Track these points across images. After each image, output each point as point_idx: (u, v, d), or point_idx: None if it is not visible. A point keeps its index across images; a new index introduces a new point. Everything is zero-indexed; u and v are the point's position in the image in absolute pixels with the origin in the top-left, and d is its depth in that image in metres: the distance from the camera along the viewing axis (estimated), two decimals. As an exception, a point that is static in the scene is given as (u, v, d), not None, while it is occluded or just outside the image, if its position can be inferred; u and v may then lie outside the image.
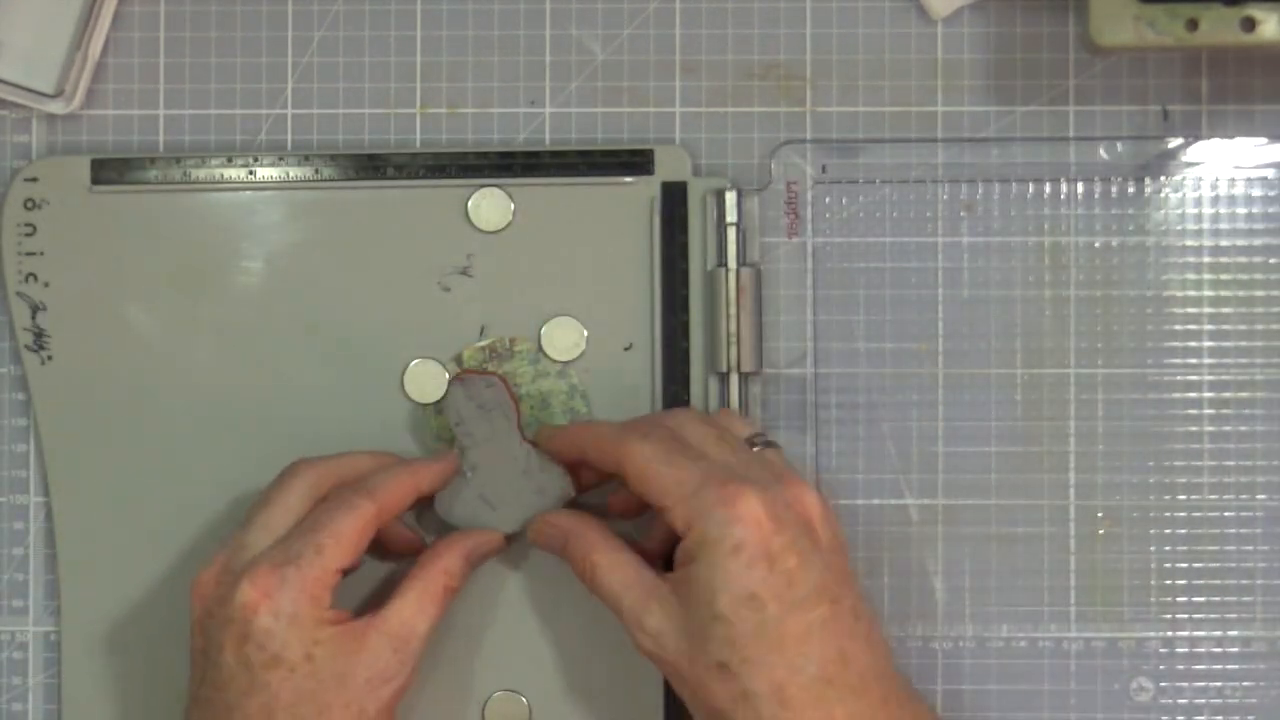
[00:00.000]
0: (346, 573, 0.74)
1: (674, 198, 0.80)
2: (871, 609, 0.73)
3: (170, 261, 0.81)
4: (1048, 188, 0.81)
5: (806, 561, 0.70)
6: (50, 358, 0.81)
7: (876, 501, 0.80)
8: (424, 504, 0.78)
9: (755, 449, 0.75)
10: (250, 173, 0.81)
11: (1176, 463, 0.81)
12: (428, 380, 0.80)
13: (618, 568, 0.74)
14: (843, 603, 0.71)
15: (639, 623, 0.72)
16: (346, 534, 0.73)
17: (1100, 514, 0.81)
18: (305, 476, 0.76)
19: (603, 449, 0.74)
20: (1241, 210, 0.81)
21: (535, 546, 0.78)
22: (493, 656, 0.80)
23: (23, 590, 0.82)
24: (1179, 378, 0.80)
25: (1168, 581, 0.81)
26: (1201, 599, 0.81)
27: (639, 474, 0.73)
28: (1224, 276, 0.81)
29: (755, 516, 0.70)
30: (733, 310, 0.79)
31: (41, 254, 0.81)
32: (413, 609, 0.74)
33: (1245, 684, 0.80)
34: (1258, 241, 0.81)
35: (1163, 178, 0.81)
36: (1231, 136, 0.81)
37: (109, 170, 0.81)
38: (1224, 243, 0.81)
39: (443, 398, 0.79)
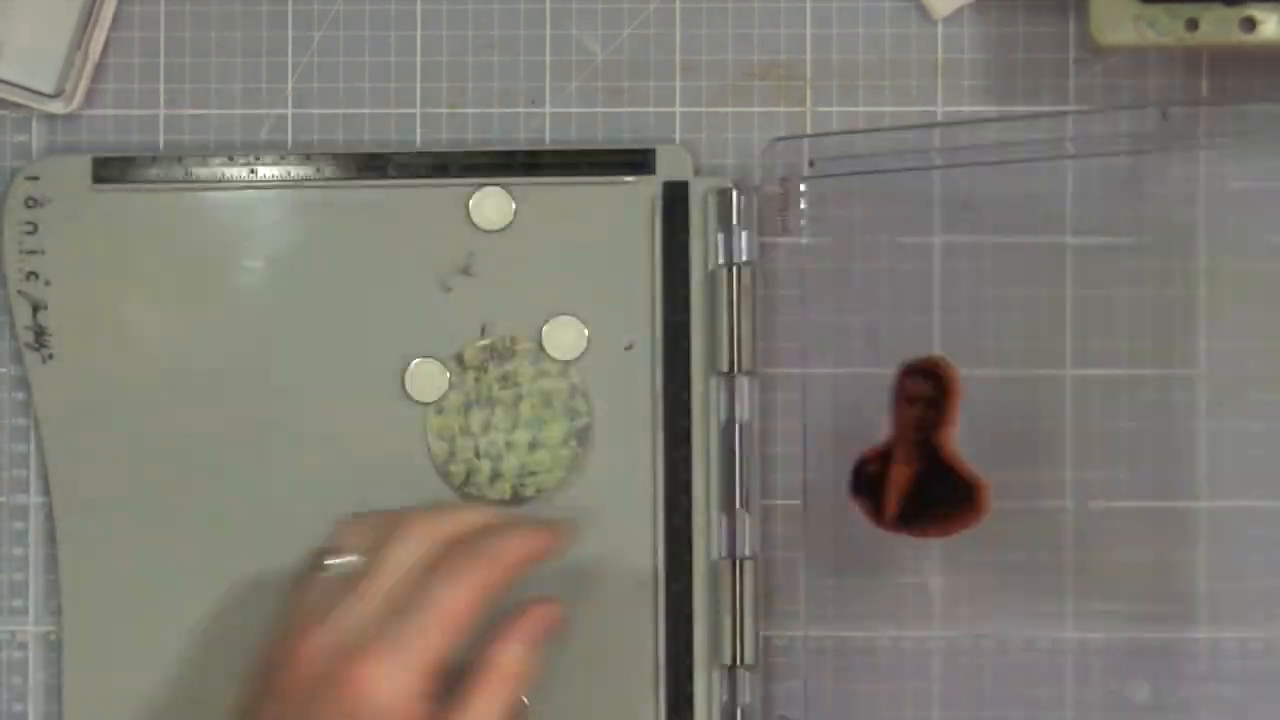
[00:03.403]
0: None
1: (675, 197, 0.80)
2: None
3: (171, 260, 0.81)
4: (1047, 187, 0.81)
5: None
6: (51, 356, 0.81)
7: (876, 501, 0.80)
8: None
9: None
10: (252, 171, 0.81)
11: (1176, 463, 0.81)
12: (428, 380, 0.80)
13: None
14: None
15: None
16: (463, 615, 0.70)
17: (1100, 514, 0.81)
18: (417, 537, 0.72)
19: None
20: (1242, 211, 0.81)
21: None
22: (493, 656, 0.80)
23: (23, 590, 0.82)
24: (1179, 377, 0.80)
25: (1167, 581, 0.81)
26: (1201, 599, 0.81)
27: None
28: (1224, 276, 0.81)
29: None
30: (733, 310, 0.79)
31: (42, 253, 0.81)
32: (482, 713, 0.71)
33: (1245, 684, 0.81)
34: (1258, 242, 0.81)
35: (1163, 178, 0.81)
36: (1232, 137, 0.81)
37: (111, 169, 0.81)
38: (1224, 243, 0.81)
39: (441, 398, 0.80)
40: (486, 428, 0.80)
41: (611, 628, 0.80)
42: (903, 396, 0.78)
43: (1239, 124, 0.81)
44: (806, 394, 0.81)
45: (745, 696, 0.80)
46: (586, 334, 0.80)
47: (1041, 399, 0.81)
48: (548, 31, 0.82)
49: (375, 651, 0.69)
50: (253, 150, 0.81)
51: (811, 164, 0.81)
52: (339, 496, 0.80)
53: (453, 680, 0.71)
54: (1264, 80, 0.81)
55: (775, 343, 0.81)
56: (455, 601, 0.70)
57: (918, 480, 0.77)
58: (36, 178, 0.81)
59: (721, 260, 0.80)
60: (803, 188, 0.81)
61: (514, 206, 0.81)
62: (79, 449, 0.81)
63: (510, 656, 0.72)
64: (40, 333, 0.80)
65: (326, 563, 0.72)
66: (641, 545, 0.80)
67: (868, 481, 0.78)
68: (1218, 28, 0.75)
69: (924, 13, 0.81)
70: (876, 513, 0.77)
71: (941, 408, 0.77)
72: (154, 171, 0.81)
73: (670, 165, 0.80)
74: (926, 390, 0.78)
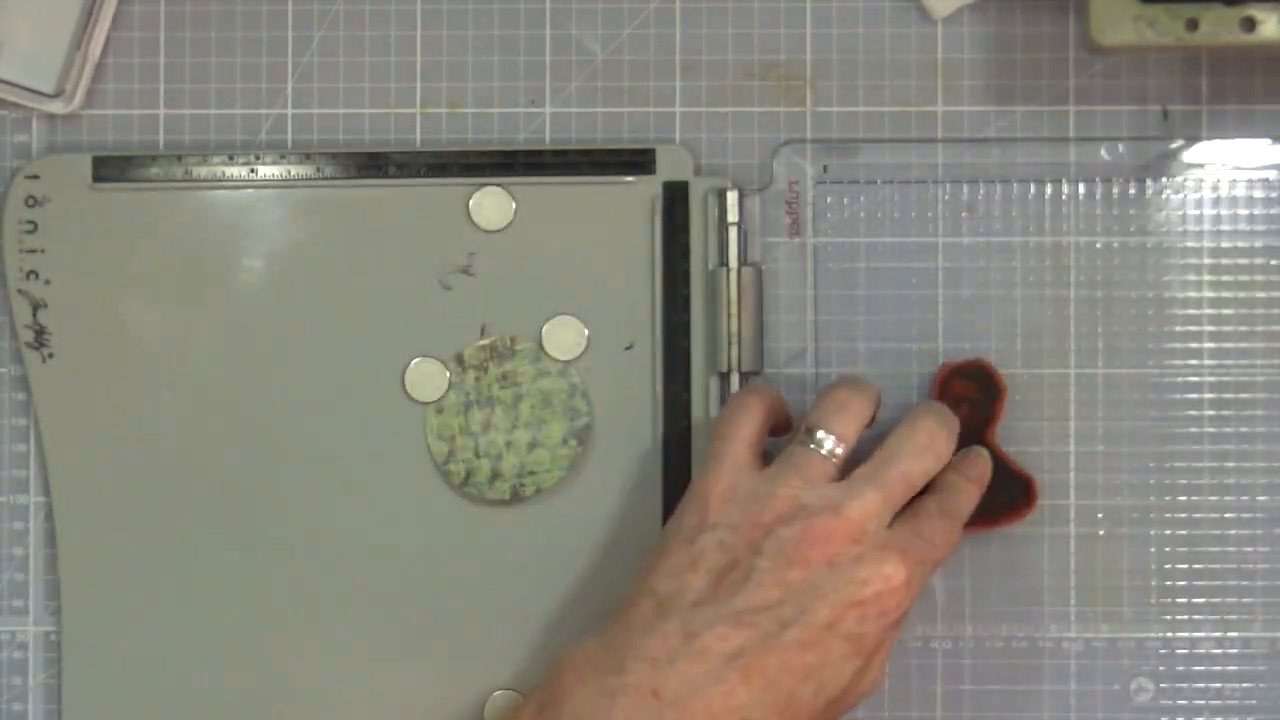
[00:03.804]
0: None
1: (675, 197, 0.80)
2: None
3: (171, 259, 0.81)
4: (1048, 188, 0.81)
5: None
6: (51, 355, 0.81)
7: (877, 502, 0.80)
8: None
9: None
10: (252, 171, 0.81)
11: (1176, 463, 0.80)
12: (428, 379, 0.80)
13: None
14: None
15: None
16: (945, 558, 0.75)
17: (1100, 514, 0.81)
18: (926, 459, 0.75)
19: None
20: (1242, 211, 0.81)
21: None
22: (492, 655, 0.80)
23: (23, 590, 0.82)
24: (1179, 378, 0.80)
25: (1168, 582, 0.81)
26: (1201, 599, 0.81)
27: None
28: (1224, 277, 0.81)
29: None
30: (733, 310, 0.79)
31: (42, 251, 0.81)
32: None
33: (1245, 684, 0.80)
34: (1258, 242, 0.81)
35: (1163, 178, 0.81)
36: (1232, 137, 0.81)
37: (110, 168, 0.81)
38: (1224, 243, 0.81)
39: (443, 397, 0.80)
40: (486, 427, 0.80)
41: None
42: (947, 398, 0.78)
43: (1239, 124, 0.81)
44: (806, 394, 0.81)
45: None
46: (586, 334, 0.80)
47: (1043, 398, 0.81)
48: (548, 31, 0.82)
49: (910, 556, 0.73)
50: (253, 150, 0.81)
51: (825, 169, 0.81)
52: (339, 496, 0.80)
53: None
54: (1264, 80, 0.81)
55: (776, 343, 0.81)
56: (945, 544, 0.75)
57: None
58: (36, 177, 0.81)
59: (721, 260, 0.80)
60: (811, 193, 0.81)
61: (514, 206, 0.81)
62: (79, 449, 0.81)
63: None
64: (40, 332, 0.80)
65: (821, 442, 0.75)
66: (641, 545, 0.80)
67: None
68: (1218, 28, 0.75)
69: (924, 13, 0.81)
70: None
71: (989, 408, 0.79)
72: (154, 171, 0.81)
73: (670, 165, 0.80)
74: (973, 391, 0.79)
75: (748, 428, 0.75)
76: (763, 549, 0.72)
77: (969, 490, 0.77)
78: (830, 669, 0.72)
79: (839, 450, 0.74)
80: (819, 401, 0.76)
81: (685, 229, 0.80)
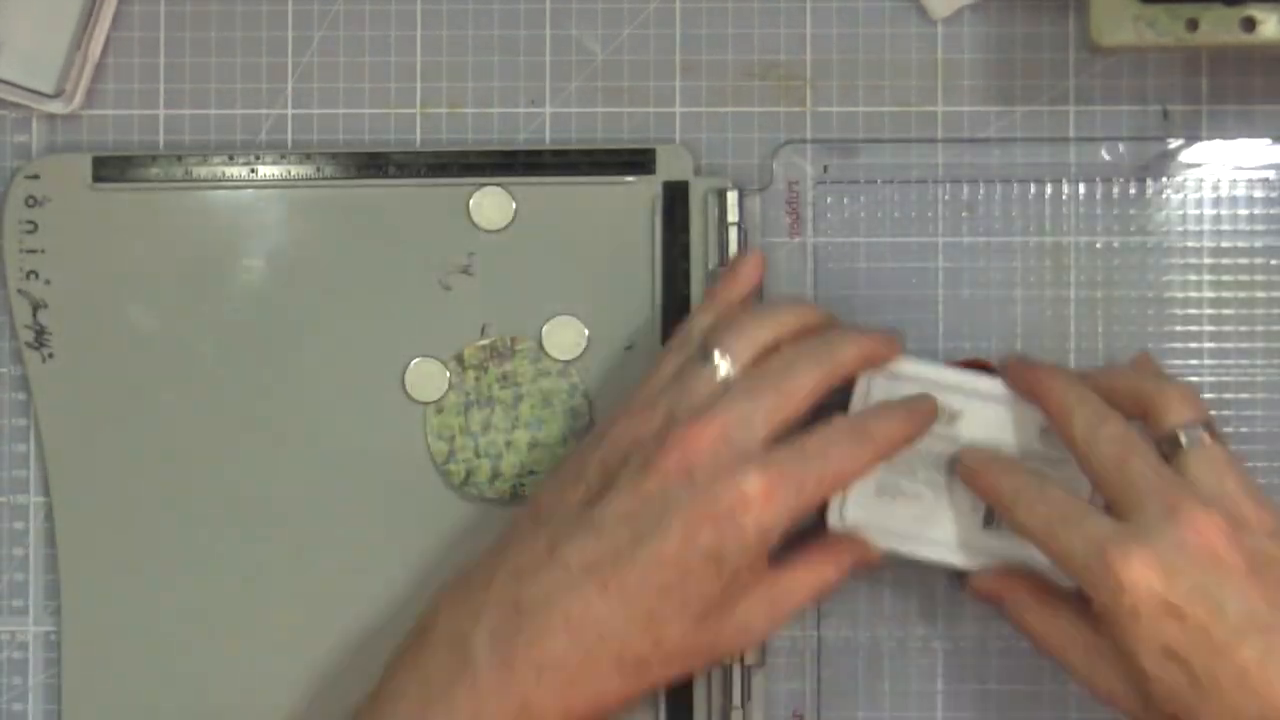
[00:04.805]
0: None
1: (675, 197, 0.80)
2: None
3: (171, 259, 0.81)
4: (1048, 188, 0.81)
5: (1217, 603, 0.68)
6: (51, 355, 0.81)
7: (877, 502, 0.80)
8: None
9: (1175, 453, 0.72)
10: (252, 170, 0.81)
11: (1177, 463, 0.80)
12: (428, 380, 0.80)
13: (1063, 637, 0.73)
14: (1278, 629, 0.68)
15: (1090, 683, 0.72)
16: (843, 477, 0.72)
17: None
18: (811, 378, 0.72)
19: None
20: (1242, 211, 0.81)
21: (969, 594, 0.77)
22: (493, 656, 0.80)
23: (23, 590, 0.82)
24: (1179, 378, 0.80)
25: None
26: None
27: (1042, 526, 0.71)
28: (1224, 277, 0.81)
29: (1141, 579, 0.68)
30: (733, 310, 0.79)
31: (42, 251, 0.80)
32: (801, 583, 0.73)
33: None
34: (1258, 242, 0.81)
35: (1163, 178, 0.81)
36: (1232, 137, 0.81)
37: (110, 168, 0.81)
38: (1224, 243, 0.81)
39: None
40: (486, 427, 0.80)
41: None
42: None
43: (1239, 124, 0.81)
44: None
45: (745, 696, 0.79)
46: (586, 334, 0.80)
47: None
48: (548, 31, 0.82)
49: (771, 474, 0.70)
50: (253, 150, 0.81)
51: (825, 169, 0.81)
52: (339, 496, 0.80)
53: None
54: (1264, 80, 0.81)
55: (775, 343, 0.81)
56: (840, 465, 0.71)
57: None
58: (36, 177, 0.81)
59: (721, 260, 0.80)
60: (811, 193, 0.81)
61: (514, 206, 0.81)
62: (79, 449, 0.80)
63: (841, 553, 0.74)
64: (40, 332, 0.80)
65: (719, 362, 0.73)
66: (642, 545, 0.80)
67: None
68: (1218, 28, 0.75)
69: (924, 13, 0.81)
70: None
71: None
72: (154, 171, 0.81)
73: (670, 165, 0.80)
74: None
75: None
76: (628, 460, 0.72)
77: (892, 415, 0.74)
78: (692, 588, 0.70)
79: (733, 371, 0.73)
80: (729, 319, 0.75)
81: (685, 229, 0.80)
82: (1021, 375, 0.75)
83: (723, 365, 0.73)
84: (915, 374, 0.76)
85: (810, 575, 0.73)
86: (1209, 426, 0.71)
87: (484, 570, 0.72)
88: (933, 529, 0.76)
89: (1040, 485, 0.72)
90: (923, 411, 0.74)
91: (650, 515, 0.70)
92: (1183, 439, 0.71)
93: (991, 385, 0.76)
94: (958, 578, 0.77)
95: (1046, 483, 0.72)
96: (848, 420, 0.73)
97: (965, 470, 0.75)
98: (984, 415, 0.76)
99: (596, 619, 0.70)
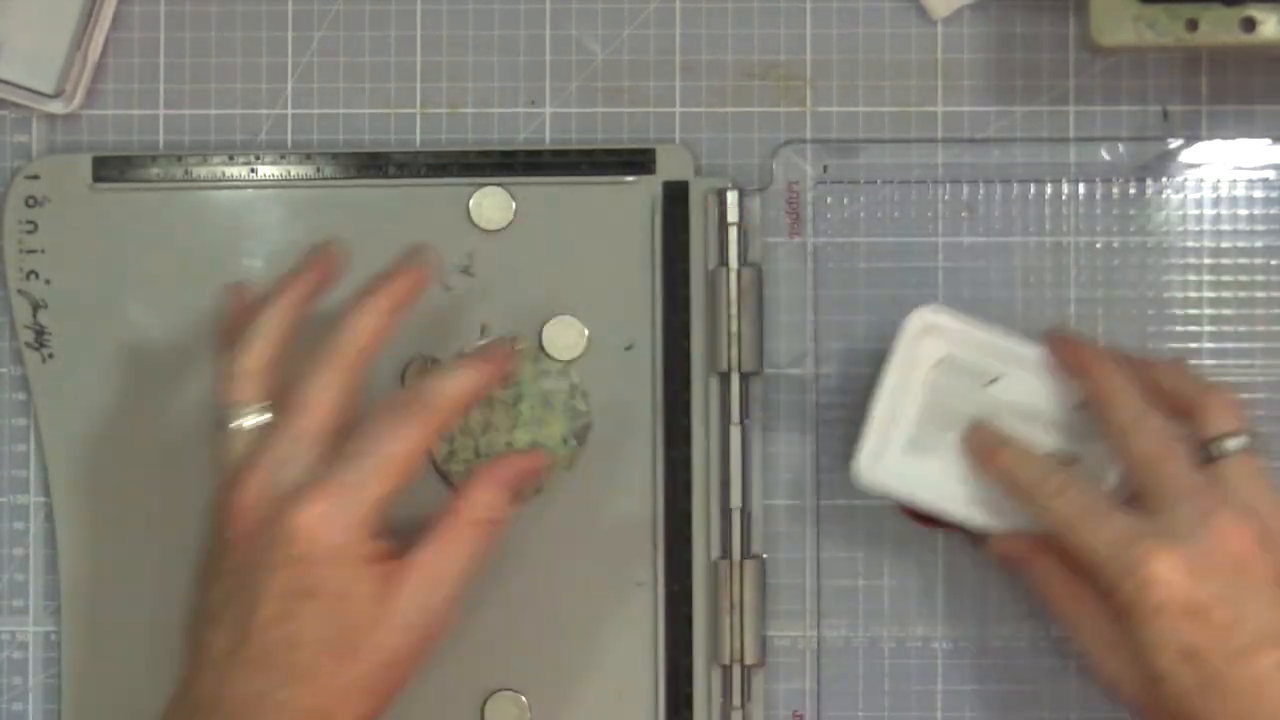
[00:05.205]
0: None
1: (675, 197, 0.80)
2: None
3: (171, 259, 0.81)
4: (1048, 188, 0.81)
5: (1241, 608, 0.68)
6: (51, 355, 0.81)
7: (876, 502, 0.80)
8: None
9: (1213, 460, 0.71)
10: (252, 170, 0.81)
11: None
12: (428, 380, 0.80)
13: (1081, 616, 0.73)
14: None
15: (1098, 667, 0.72)
16: (402, 458, 0.70)
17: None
18: (331, 375, 0.71)
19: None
20: (1242, 211, 0.81)
21: (988, 554, 0.76)
22: (492, 656, 0.80)
23: (23, 590, 0.82)
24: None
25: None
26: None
27: (1064, 518, 0.71)
28: (1224, 277, 0.81)
29: (1168, 577, 0.68)
30: (733, 310, 0.79)
31: (43, 252, 0.81)
32: (446, 553, 0.71)
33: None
34: (1258, 242, 0.81)
35: (1163, 178, 0.81)
36: (1232, 137, 0.81)
37: (110, 168, 0.81)
38: (1224, 243, 0.81)
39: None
40: (486, 427, 0.80)
41: (611, 628, 0.80)
42: None
43: (1239, 124, 0.81)
44: (806, 394, 0.81)
45: (745, 696, 0.80)
46: (586, 334, 0.80)
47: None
48: (548, 31, 0.82)
49: (317, 492, 0.69)
50: (253, 150, 0.81)
51: (825, 169, 0.81)
52: (339, 496, 0.80)
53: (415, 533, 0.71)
54: (1264, 80, 0.81)
55: (776, 343, 0.81)
56: (391, 446, 0.70)
57: None
58: (36, 177, 0.81)
59: (721, 260, 0.80)
60: (811, 193, 0.81)
61: (514, 206, 0.81)
62: (79, 449, 0.81)
63: (479, 500, 0.72)
64: (40, 332, 0.80)
65: (235, 425, 0.72)
66: (641, 545, 0.80)
67: None
68: (1218, 28, 0.75)
69: (924, 13, 0.81)
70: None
71: None
72: (154, 171, 0.81)
73: (670, 165, 0.80)
74: None
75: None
76: (213, 550, 0.72)
77: (454, 375, 0.72)
78: (317, 631, 0.69)
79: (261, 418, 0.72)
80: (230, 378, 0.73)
81: (685, 229, 0.80)
82: (1066, 351, 0.75)
83: (246, 419, 0.72)
84: (963, 332, 0.76)
85: (448, 540, 0.71)
86: (1249, 437, 0.72)
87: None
88: (960, 486, 0.76)
89: (1060, 477, 0.72)
90: (493, 360, 0.73)
91: (244, 590, 0.69)
92: (1223, 447, 0.71)
93: (1034, 354, 0.75)
94: (975, 540, 0.77)
95: (1065, 474, 0.72)
96: (398, 396, 0.71)
97: (975, 447, 0.75)
98: (1023, 382, 0.75)
99: (259, 692, 0.69)
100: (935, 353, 0.76)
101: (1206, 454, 0.71)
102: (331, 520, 0.69)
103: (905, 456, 0.76)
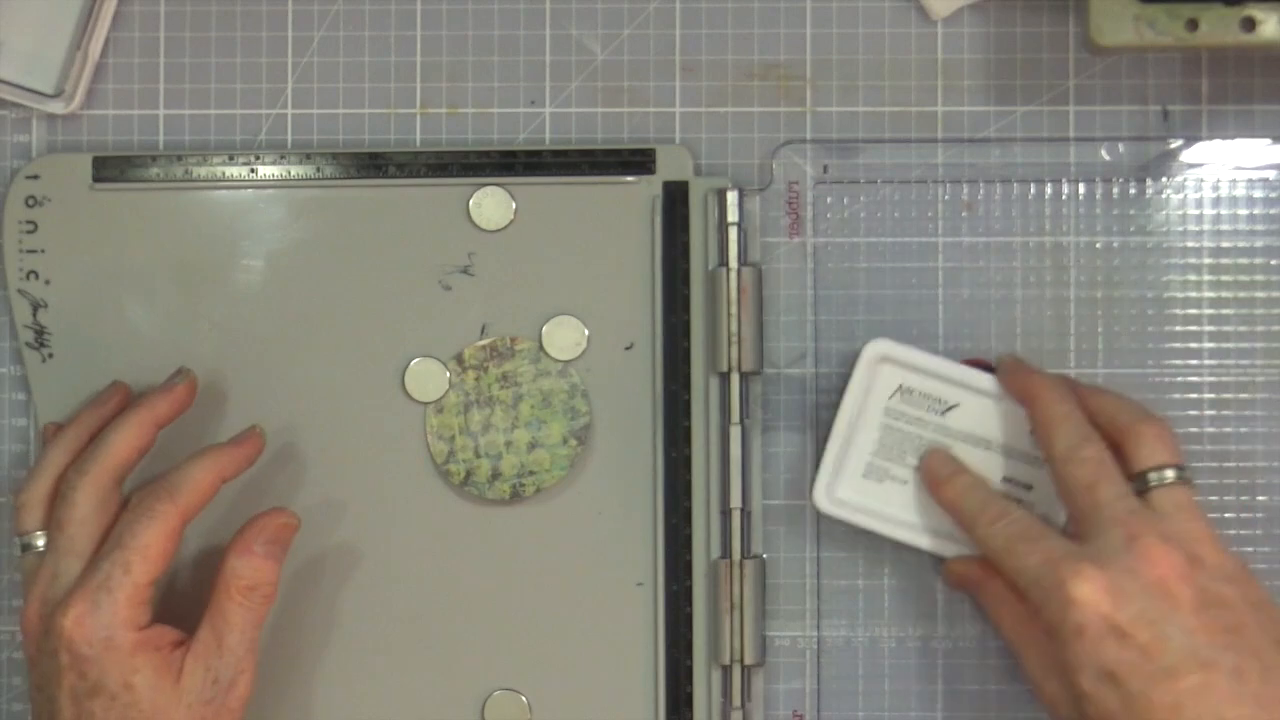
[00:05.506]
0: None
1: (675, 197, 0.80)
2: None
3: (171, 259, 0.81)
4: (1048, 188, 0.81)
5: (1162, 631, 0.69)
6: (51, 355, 0.81)
7: (876, 502, 0.80)
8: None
9: (1147, 489, 0.73)
10: (252, 170, 0.81)
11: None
12: (428, 379, 0.80)
13: (1023, 638, 0.74)
14: (1219, 666, 0.69)
15: (1038, 686, 0.73)
16: (153, 545, 0.74)
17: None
18: (86, 489, 0.75)
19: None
20: (1242, 211, 0.81)
21: (945, 577, 0.79)
22: (492, 655, 0.80)
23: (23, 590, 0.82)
24: (1179, 378, 0.80)
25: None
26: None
27: (1002, 544, 0.73)
28: (1224, 277, 0.81)
29: (1090, 598, 0.69)
30: (733, 310, 0.79)
31: (43, 251, 0.81)
32: (219, 626, 0.74)
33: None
34: (1258, 242, 0.81)
35: (1163, 178, 0.81)
36: (1232, 137, 0.81)
37: (110, 168, 0.81)
38: (1224, 243, 0.81)
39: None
40: (486, 427, 0.80)
41: (611, 628, 0.80)
42: None
43: (1239, 124, 0.81)
44: (806, 394, 0.81)
45: (745, 696, 0.79)
46: (586, 334, 0.80)
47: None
48: (548, 31, 0.82)
49: (75, 596, 0.73)
50: (253, 150, 0.81)
51: (825, 169, 0.81)
52: (339, 495, 0.80)
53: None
54: (1264, 80, 0.81)
55: (776, 343, 0.81)
56: (141, 537, 0.73)
57: None
58: (36, 177, 0.81)
59: (721, 260, 0.80)
60: (811, 193, 0.81)
61: (514, 206, 0.81)
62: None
63: (236, 569, 0.75)
64: (40, 332, 0.80)
65: (26, 552, 0.76)
66: (641, 545, 0.80)
67: None
68: (1218, 28, 0.75)
69: (924, 13, 0.81)
70: None
71: None
72: (154, 171, 0.81)
73: (670, 165, 0.80)
74: None
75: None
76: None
77: (195, 461, 0.76)
78: (124, 712, 0.73)
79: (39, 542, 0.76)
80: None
81: (685, 229, 0.80)
82: (1015, 377, 0.77)
83: (34, 544, 0.76)
84: (916, 362, 0.77)
85: (220, 615, 0.75)
86: (1180, 469, 0.73)
87: None
88: (914, 514, 0.78)
89: (1004, 505, 0.74)
90: (241, 446, 0.77)
91: (48, 701, 0.73)
92: (1156, 478, 0.73)
93: (989, 383, 0.77)
94: (942, 563, 0.79)
95: (1010, 503, 0.75)
96: (149, 489, 0.75)
97: (928, 475, 0.77)
98: (977, 410, 0.77)
99: None
100: (892, 382, 0.77)
101: (1141, 484, 0.73)
102: (93, 619, 0.73)
103: (862, 483, 0.78)
